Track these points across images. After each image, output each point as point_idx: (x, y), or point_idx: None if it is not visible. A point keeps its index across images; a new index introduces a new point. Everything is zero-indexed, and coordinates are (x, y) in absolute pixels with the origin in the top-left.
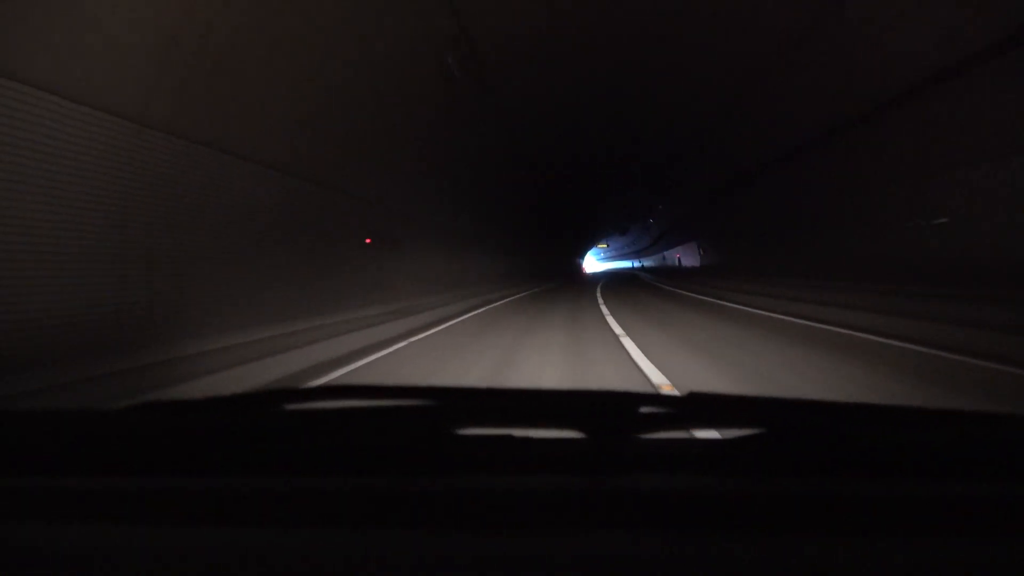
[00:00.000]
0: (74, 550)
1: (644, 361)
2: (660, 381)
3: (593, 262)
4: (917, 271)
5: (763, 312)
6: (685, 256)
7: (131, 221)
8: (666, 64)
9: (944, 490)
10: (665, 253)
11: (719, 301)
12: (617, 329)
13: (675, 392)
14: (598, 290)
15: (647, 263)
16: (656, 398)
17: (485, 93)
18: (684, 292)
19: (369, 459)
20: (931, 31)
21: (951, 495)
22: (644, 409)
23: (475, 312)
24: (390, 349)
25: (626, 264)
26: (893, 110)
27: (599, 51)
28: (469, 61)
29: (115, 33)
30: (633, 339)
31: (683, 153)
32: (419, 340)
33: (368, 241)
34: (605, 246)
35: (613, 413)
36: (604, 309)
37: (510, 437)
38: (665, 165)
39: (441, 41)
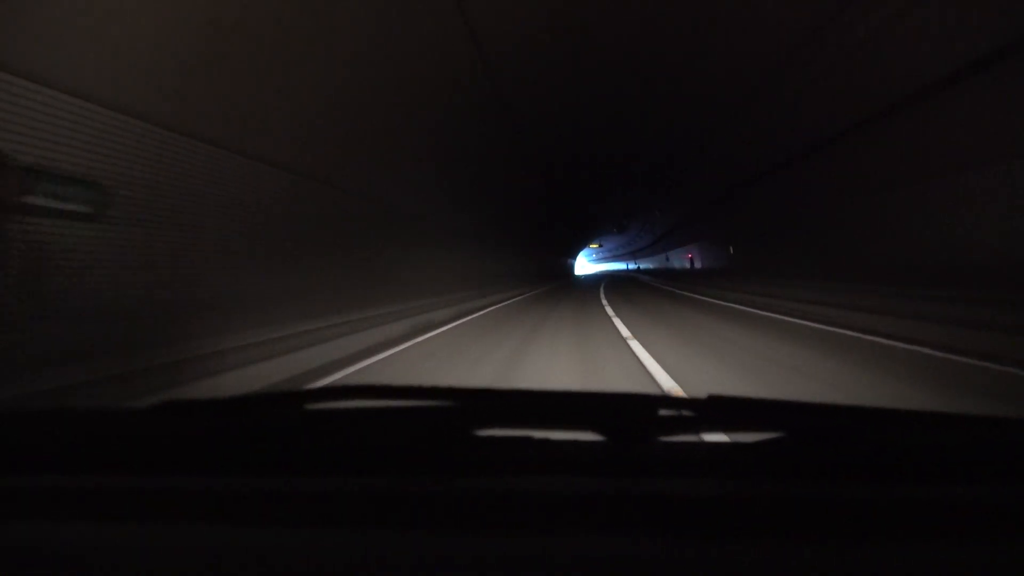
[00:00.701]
0: (90, 549)
1: None
2: None
3: (584, 264)
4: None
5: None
6: (702, 256)
7: (156, 219)
8: (676, 56)
9: (964, 493)
10: (669, 253)
11: (778, 316)
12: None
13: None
14: (603, 298)
15: (645, 265)
16: (675, 401)
17: (490, 89)
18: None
19: (390, 460)
20: (938, 35)
21: (971, 498)
22: (663, 412)
23: (417, 339)
24: None
25: (620, 266)
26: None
27: (602, 50)
28: None
29: (138, 40)
30: None
31: (693, 146)
32: None
33: None
34: (598, 246)
35: (632, 415)
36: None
37: (529, 438)
38: (666, 165)
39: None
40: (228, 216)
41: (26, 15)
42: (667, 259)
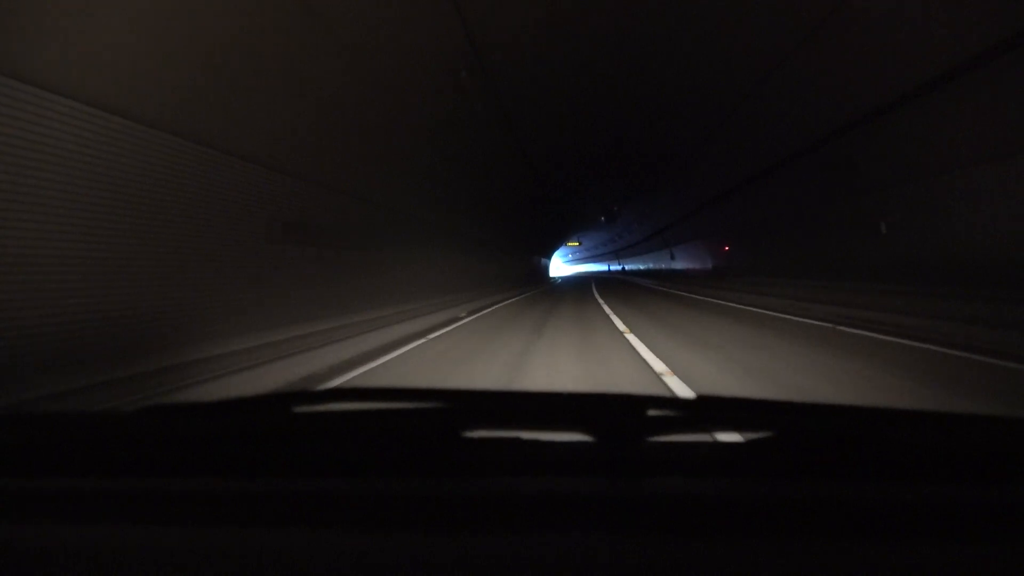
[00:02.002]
0: (82, 551)
1: None
2: None
3: (559, 265)
4: None
5: None
6: (749, 250)
7: (164, 226)
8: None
9: (956, 493)
10: (674, 249)
11: None
12: None
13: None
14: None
15: (633, 265)
16: (665, 401)
17: (482, 79)
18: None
19: (378, 462)
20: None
21: (963, 498)
22: (653, 412)
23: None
24: None
25: (601, 267)
26: None
27: (595, 36)
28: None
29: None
30: None
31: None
32: None
33: None
34: (577, 244)
35: (622, 416)
36: None
37: (518, 440)
38: (670, 161)
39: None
40: None
41: (54, 32)
42: (672, 257)
